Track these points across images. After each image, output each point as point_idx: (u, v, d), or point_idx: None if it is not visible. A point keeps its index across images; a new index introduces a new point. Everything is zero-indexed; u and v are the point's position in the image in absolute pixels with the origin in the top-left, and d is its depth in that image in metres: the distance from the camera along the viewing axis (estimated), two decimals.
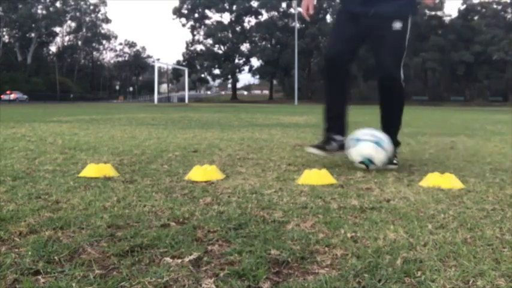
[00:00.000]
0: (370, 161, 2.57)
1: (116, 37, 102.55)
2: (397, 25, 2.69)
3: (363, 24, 2.75)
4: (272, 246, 1.24)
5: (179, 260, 1.14)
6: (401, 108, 2.86)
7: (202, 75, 71.62)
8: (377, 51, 2.78)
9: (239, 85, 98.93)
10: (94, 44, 78.15)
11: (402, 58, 2.76)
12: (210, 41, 69.96)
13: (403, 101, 2.87)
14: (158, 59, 74.12)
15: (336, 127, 2.85)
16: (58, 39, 72.75)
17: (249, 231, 1.39)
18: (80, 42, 75.31)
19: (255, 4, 69.19)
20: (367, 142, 2.57)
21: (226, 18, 70.30)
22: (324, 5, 67.55)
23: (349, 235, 1.35)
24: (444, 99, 62.90)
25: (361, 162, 2.60)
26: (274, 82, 77.11)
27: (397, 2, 2.70)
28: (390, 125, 2.85)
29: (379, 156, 2.55)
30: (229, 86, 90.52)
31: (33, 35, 63.66)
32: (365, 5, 2.72)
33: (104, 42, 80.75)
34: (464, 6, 65.76)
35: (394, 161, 2.78)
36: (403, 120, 2.90)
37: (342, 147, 2.77)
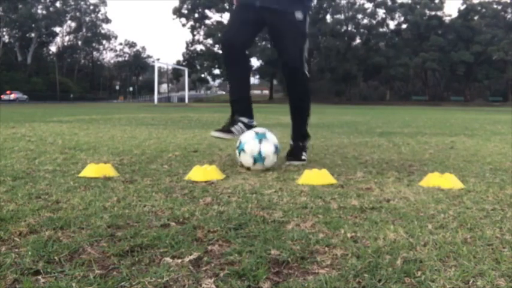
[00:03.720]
0: (262, 158, 2.51)
1: (116, 37, 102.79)
2: (298, 15, 2.69)
3: (260, 14, 2.74)
4: (272, 246, 1.24)
5: (179, 260, 1.14)
6: (307, 99, 2.85)
7: (202, 75, 71.63)
8: (278, 41, 2.75)
9: None
10: (94, 44, 78.18)
11: (304, 48, 2.75)
12: (210, 41, 69.96)
13: (308, 92, 2.85)
14: (158, 59, 74.18)
15: (240, 109, 2.83)
16: (58, 39, 72.86)
17: (249, 231, 1.39)
18: (80, 42, 75.32)
19: None
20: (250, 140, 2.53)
21: (226, 18, 70.24)
22: (324, 5, 67.55)
23: (349, 235, 1.35)
24: (444, 99, 62.91)
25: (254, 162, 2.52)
26: (274, 82, 77.09)
27: None
28: (298, 116, 2.89)
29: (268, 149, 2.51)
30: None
31: (33, 35, 63.67)
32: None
33: (104, 42, 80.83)
34: (464, 6, 65.76)
35: (303, 157, 2.82)
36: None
37: (249, 128, 2.76)
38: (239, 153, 2.55)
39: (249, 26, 2.82)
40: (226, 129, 2.76)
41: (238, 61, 2.83)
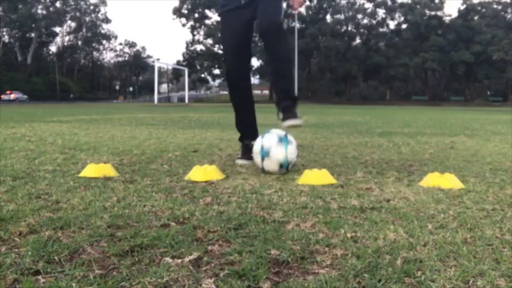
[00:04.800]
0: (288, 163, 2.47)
1: (116, 37, 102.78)
2: None
3: (248, 7, 2.72)
4: (272, 246, 1.24)
5: (179, 260, 1.14)
6: (289, 57, 2.78)
7: (202, 75, 71.63)
8: (260, 8, 2.70)
9: None
10: (94, 44, 78.18)
11: (281, 10, 2.73)
12: (210, 41, 69.95)
13: (289, 49, 2.78)
14: (158, 59, 74.19)
15: (250, 134, 2.91)
16: (58, 39, 72.87)
17: (249, 231, 1.39)
18: (80, 42, 75.33)
19: None
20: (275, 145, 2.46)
21: None
22: (324, 5, 67.55)
23: (349, 235, 1.35)
24: (444, 99, 62.92)
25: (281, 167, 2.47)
26: None
27: None
28: (282, 77, 2.73)
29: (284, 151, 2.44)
30: None
31: (33, 35, 63.68)
32: None
33: (104, 42, 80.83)
34: (464, 6, 65.75)
35: (299, 114, 2.66)
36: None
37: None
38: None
39: (247, 42, 2.83)
40: (249, 157, 2.76)
41: (245, 88, 2.93)
